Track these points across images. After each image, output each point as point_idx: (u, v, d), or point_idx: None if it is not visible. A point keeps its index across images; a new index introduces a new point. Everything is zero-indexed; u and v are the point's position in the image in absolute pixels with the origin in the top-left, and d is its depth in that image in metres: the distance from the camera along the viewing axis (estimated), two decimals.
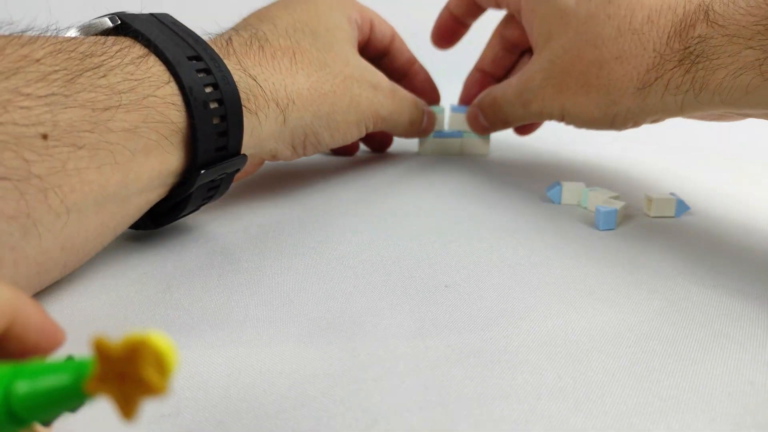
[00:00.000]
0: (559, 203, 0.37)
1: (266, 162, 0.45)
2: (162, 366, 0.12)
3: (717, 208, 0.36)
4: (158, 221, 0.30)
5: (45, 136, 0.22)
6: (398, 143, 0.50)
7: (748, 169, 0.44)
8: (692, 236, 0.32)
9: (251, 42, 0.32)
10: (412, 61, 0.45)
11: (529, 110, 0.38)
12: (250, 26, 0.34)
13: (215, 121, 0.27)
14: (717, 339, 0.24)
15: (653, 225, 0.34)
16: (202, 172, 0.28)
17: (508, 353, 0.23)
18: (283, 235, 0.33)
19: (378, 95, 0.38)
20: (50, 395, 0.13)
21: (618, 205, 0.33)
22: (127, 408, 0.12)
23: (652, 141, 0.51)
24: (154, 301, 0.26)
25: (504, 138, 0.51)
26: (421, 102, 0.43)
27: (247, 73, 0.30)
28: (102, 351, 0.12)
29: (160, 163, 0.26)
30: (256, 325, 0.25)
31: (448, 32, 0.46)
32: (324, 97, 0.34)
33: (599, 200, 0.35)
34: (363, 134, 0.38)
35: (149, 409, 0.20)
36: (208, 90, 0.27)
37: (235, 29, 0.34)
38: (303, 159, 0.46)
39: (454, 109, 0.46)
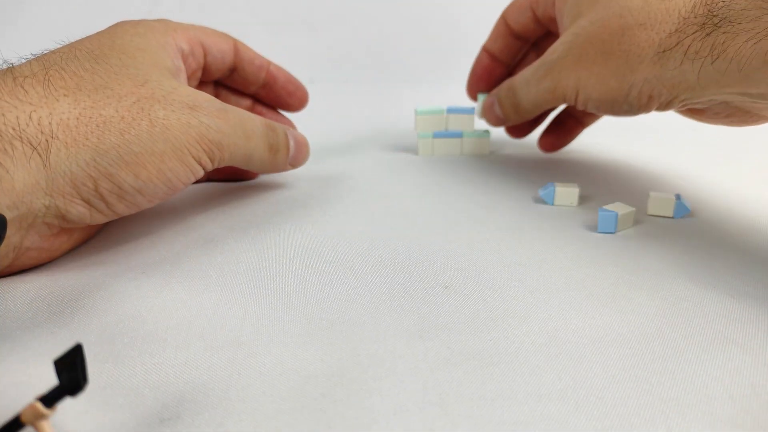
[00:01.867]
0: (552, 204, 0.37)
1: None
2: None
3: (717, 208, 0.36)
4: None
5: None
6: (399, 145, 0.50)
7: (748, 170, 0.44)
8: (693, 237, 0.32)
9: (12, 74, 0.26)
10: (265, 64, 0.39)
11: (542, 86, 0.36)
12: (58, 52, 0.28)
13: None
14: (718, 341, 0.24)
15: (653, 226, 0.34)
16: None
17: (508, 354, 0.23)
18: (282, 235, 0.33)
19: (200, 116, 0.29)
20: None
21: (624, 210, 0.33)
22: None
23: (652, 139, 0.51)
24: (153, 301, 0.26)
25: (504, 138, 0.51)
26: (277, 124, 0.35)
27: None
28: None
29: None
30: (256, 326, 0.25)
31: (486, 74, 0.44)
32: (106, 126, 0.26)
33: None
34: (199, 172, 0.30)
35: (149, 413, 0.20)
36: None
37: (44, 59, 0.28)
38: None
39: (450, 110, 0.46)
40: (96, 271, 0.29)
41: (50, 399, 0.18)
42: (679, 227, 0.34)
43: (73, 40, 0.30)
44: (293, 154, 0.37)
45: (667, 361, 0.22)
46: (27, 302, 0.26)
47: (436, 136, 0.47)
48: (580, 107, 0.35)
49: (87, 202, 0.26)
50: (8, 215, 0.23)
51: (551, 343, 0.23)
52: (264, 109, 0.42)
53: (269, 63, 0.40)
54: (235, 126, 0.31)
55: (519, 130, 0.46)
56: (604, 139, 0.51)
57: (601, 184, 0.40)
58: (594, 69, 0.33)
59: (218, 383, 0.21)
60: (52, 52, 0.29)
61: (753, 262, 0.30)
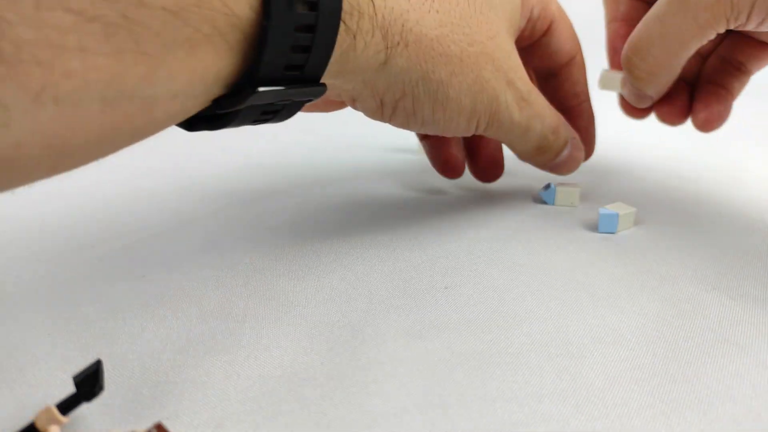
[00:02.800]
0: (553, 204, 0.37)
1: (264, 162, 0.45)
2: None
3: (718, 209, 0.36)
4: (192, 124, 0.23)
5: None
6: (399, 145, 0.50)
7: (749, 170, 0.44)
8: (693, 238, 0.32)
9: None
10: (583, 97, 0.36)
11: (673, 28, 0.29)
12: None
13: (298, 29, 0.20)
14: (718, 342, 0.24)
15: (654, 227, 0.34)
16: (259, 90, 0.21)
17: (508, 355, 0.23)
18: (281, 236, 0.33)
19: (508, 94, 0.30)
20: None
21: (624, 210, 0.33)
22: None
23: (652, 139, 0.51)
24: (152, 304, 0.26)
25: None
26: (566, 126, 0.34)
27: None
28: None
29: (206, 66, 0.19)
30: (255, 328, 0.24)
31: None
32: (445, 59, 0.27)
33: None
34: (471, 132, 0.30)
35: (149, 412, 0.20)
36: None
37: None
38: (302, 159, 0.46)
39: None
40: (96, 274, 0.29)
41: (66, 406, 0.18)
42: (679, 227, 0.34)
43: None
44: (557, 164, 0.35)
45: (667, 362, 0.22)
46: (27, 303, 0.26)
47: None
48: (755, 21, 0.28)
49: (382, 103, 0.28)
50: (328, 83, 0.24)
51: (552, 344, 0.23)
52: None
53: (588, 97, 0.36)
54: (526, 119, 0.31)
55: (674, 113, 0.38)
56: (606, 138, 0.51)
57: (602, 184, 0.40)
58: None
59: (218, 384, 0.21)
60: None
61: (754, 263, 0.30)
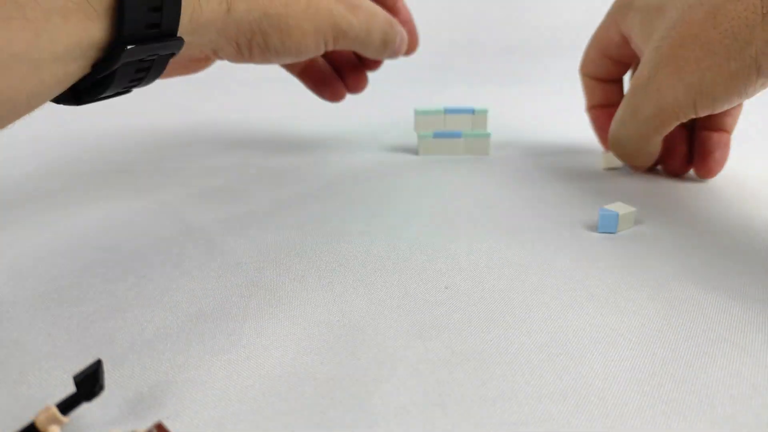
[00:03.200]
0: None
1: (264, 162, 0.45)
2: None
3: (718, 209, 0.36)
4: (80, 98, 0.27)
5: None
6: (399, 145, 0.50)
7: (748, 167, 0.44)
8: (694, 238, 0.32)
9: None
10: None
11: (642, 116, 0.33)
12: None
13: None
14: (718, 342, 0.24)
15: (654, 227, 0.34)
16: (128, 47, 0.24)
17: (508, 355, 0.23)
18: (281, 236, 0.33)
19: (340, 7, 0.35)
20: None
21: (624, 210, 0.33)
22: None
23: None
24: (152, 304, 0.26)
25: (504, 138, 0.51)
26: (394, 21, 0.40)
27: None
28: None
29: (80, 31, 0.23)
30: (255, 328, 0.24)
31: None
32: None
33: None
34: (321, 50, 0.35)
35: (149, 411, 0.20)
36: None
37: None
38: (303, 160, 0.46)
39: (448, 110, 0.46)
40: (96, 275, 0.29)
41: (66, 406, 0.18)
42: (679, 228, 0.34)
43: None
44: (398, 47, 0.41)
45: (667, 362, 0.22)
46: (27, 305, 0.26)
47: (436, 136, 0.47)
48: (702, 114, 0.32)
49: (238, 46, 0.32)
50: (186, 39, 0.27)
51: (552, 344, 0.23)
52: None
53: None
54: (362, 21, 0.36)
55: (676, 166, 0.41)
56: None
57: (601, 183, 0.40)
58: (702, 66, 0.30)
59: (218, 384, 0.21)
60: None
61: (754, 264, 0.30)
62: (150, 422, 0.19)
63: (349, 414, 0.20)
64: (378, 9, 0.38)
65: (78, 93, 0.27)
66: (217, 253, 0.31)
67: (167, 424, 0.19)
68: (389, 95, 0.66)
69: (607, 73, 0.42)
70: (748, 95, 0.31)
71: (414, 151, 0.48)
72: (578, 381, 0.21)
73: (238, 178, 0.42)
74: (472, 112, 0.46)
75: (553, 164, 0.45)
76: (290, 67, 0.45)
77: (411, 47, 0.43)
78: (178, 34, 0.26)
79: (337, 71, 0.46)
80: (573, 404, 0.20)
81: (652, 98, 0.32)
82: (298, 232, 0.33)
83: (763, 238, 0.32)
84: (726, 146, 0.40)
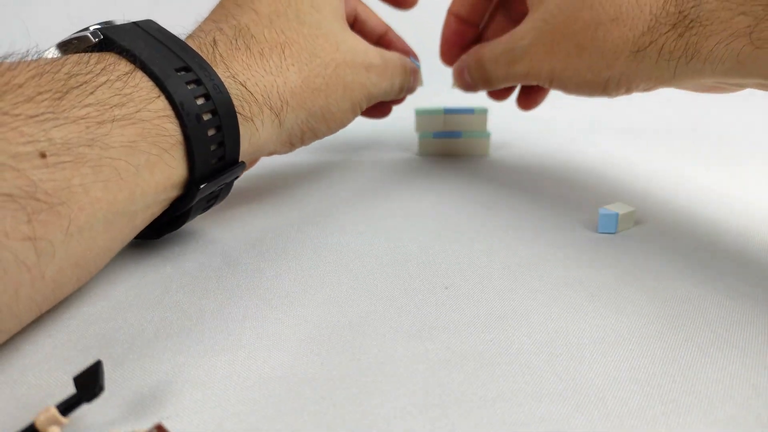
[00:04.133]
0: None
1: (264, 162, 0.45)
2: None
3: (717, 209, 0.36)
4: (159, 231, 0.30)
5: (43, 155, 0.21)
6: (399, 145, 0.50)
7: (748, 168, 0.44)
8: (693, 239, 0.32)
9: (236, 41, 0.30)
10: (384, 27, 0.42)
11: (513, 70, 0.36)
12: (230, 16, 0.32)
13: (210, 132, 0.27)
14: (718, 343, 0.24)
15: (654, 227, 0.34)
16: (202, 186, 0.27)
17: (508, 355, 0.23)
18: (281, 237, 0.33)
19: (371, 77, 0.36)
20: None
21: (624, 210, 0.33)
22: None
23: (653, 138, 0.51)
24: (152, 304, 0.26)
25: (504, 138, 0.51)
26: (408, 62, 0.41)
27: (237, 79, 0.29)
28: None
29: (164, 179, 0.26)
30: (255, 328, 0.24)
31: (458, 39, 0.43)
32: (317, 92, 0.33)
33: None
34: (358, 115, 0.37)
35: (149, 411, 0.20)
36: (200, 102, 0.26)
37: (216, 23, 0.32)
38: (303, 160, 0.46)
39: (448, 111, 0.46)
40: (95, 275, 0.29)
41: (67, 407, 0.18)
42: (679, 228, 0.34)
43: None
44: (411, 85, 0.42)
45: (667, 362, 0.22)
46: None
47: (436, 136, 0.46)
48: (555, 89, 0.35)
49: (291, 144, 0.34)
50: (247, 159, 0.31)
51: (552, 344, 0.23)
52: (394, 37, 0.43)
53: (388, 29, 0.42)
54: (389, 78, 0.38)
55: (501, 92, 0.45)
56: (608, 138, 0.51)
57: (603, 183, 0.40)
58: (568, 61, 0.32)
59: (218, 384, 0.21)
60: (242, 8, 0.32)
61: (754, 264, 0.30)
62: (150, 422, 0.19)
63: (349, 415, 0.20)
64: (394, 56, 0.39)
65: (156, 226, 0.30)
66: (217, 254, 0.31)
67: (167, 424, 0.19)
68: None
69: None
70: (594, 96, 0.33)
71: (414, 151, 0.48)
72: (578, 381, 0.21)
73: (238, 179, 0.42)
74: (472, 112, 0.46)
75: (553, 164, 0.45)
76: None
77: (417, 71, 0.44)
78: (240, 159, 0.29)
79: None
80: (573, 405, 0.20)
81: (526, 62, 0.35)
82: (298, 232, 0.33)
83: (762, 238, 0.32)
84: (547, 91, 0.44)
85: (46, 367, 0.22)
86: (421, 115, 0.46)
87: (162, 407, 0.20)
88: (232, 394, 0.21)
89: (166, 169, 0.26)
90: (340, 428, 0.19)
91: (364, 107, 0.37)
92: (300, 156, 0.47)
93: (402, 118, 0.55)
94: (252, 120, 0.29)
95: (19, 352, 0.23)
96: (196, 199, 0.28)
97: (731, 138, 0.52)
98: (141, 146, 0.24)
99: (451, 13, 0.43)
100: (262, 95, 0.30)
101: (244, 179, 0.41)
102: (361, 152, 0.48)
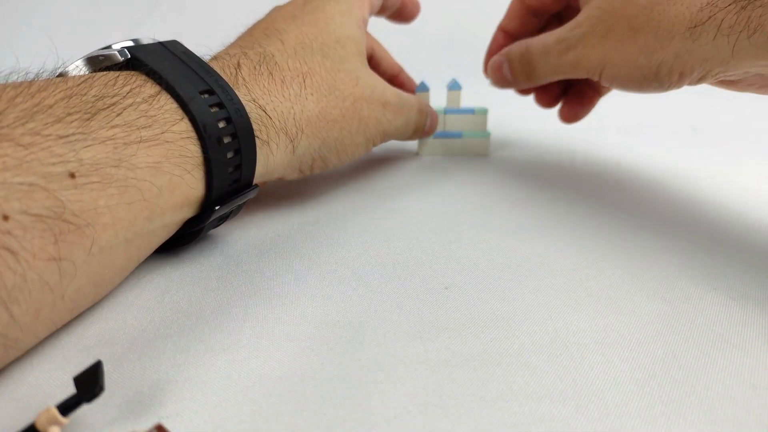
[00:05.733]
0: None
1: None
2: None
3: (717, 209, 0.36)
4: (168, 245, 0.30)
5: (73, 175, 0.21)
6: (399, 145, 0.50)
7: (747, 166, 0.44)
8: (693, 238, 0.32)
9: (260, 66, 0.31)
10: (398, 68, 0.44)
11: (563, 60, 0.35)
12: (256, 44, 0.33)
13: (229, 155, 0.27)
14: (718, 343, 0.24)
15: (653, 227, 0.34)
16: (217, 208, 0.28)
17: (508, 355, 0.23)
18: (281, 236, 0.33)
19: (387, 113, 0.37)
20: None
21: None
22: None
23: (652, 137, 0.51)
24: (152, 304, 0.26)
25: (504, 138, 0.51)
26: (424, 105, 0.42)
27: (257, 103, 0.30)
28: None
29: (184, 198, 0.26)
30: (255, 328, 0.24)
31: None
32: (333, 123, 0.33)
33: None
34: (370, 150, 0.38)
35: (149, 411, 0.20)
36: (221, 125, 0.27)
37: (242, 48, 0.32)
38: None
39: (448, 111, 0.46)
40: None
41: (67, 407, 0.18)
42: (679, 227, 0.34)
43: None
44: (428, 129, 0.43)
45: (667, 362, 0.22)
46: None
47: (436, 136, 0.46)
48: (604, 83, 0.34)
49: (301, 171, 0.34)
50: (258, 181, 0.31)
51: (552, 344, 0.23)
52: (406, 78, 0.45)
53: (401, 70, 0.43)
54: (404, 118, 0.39)
55: (548, 100, 0.44)
56: (607, 137, 0.51)
57: (602, 183, 0.40)
58: (621, 46, 0.32)
59: (218, 384, 0.21)
60: (270, 38, 0.33)
61: (754, 263, 0.30)
62: (150, 422, 0.19)
63: (349, 415, 0.20)
64: (411, 97, 0.40)
65: (168, 243, 0.30)
66: (217, 253, 0.31)
67: (167, 424, 0.19)
68: None
69: (539, 1, 0.41)
70: (643, 91, 0.32)
71: (414, 151, 0.48)
72: (578, 382, 0.21)
73: None
74: (472, 112, 0.46)
75: (553, 164, 0.45)
76: None
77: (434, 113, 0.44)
78: (254, 182, 0.30)
79: None
80: (573, 405, 0.20)
81: (579, 50, 0.34)
82: (298, 232, 0.33)
83: (762, 237, 0.32)
84: (592, 104, 0.44)
85: (47, 367, 0.22)
86: None
87: (162, 407, 0.20)
88: (232, 394, 0.21)
89: (186, 190, 0.26)
90: (340, 428, 0.19)
91: (377, 143, 0.37)
92: None
93: None
94: (268, 144, 0.30)
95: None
96: (210, 220, 0.28)
97: (731, 137, 0.52)
98: (165, 167, 0.25)
99: (501, 29, 0.44)
100: (280, 120, 0.30)
101: None
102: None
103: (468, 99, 0.51)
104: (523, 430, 0.19)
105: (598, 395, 0.21)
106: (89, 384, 0.18)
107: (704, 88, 0.34)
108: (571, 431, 0.19)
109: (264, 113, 0.30)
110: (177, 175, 0.25)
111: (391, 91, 0.37)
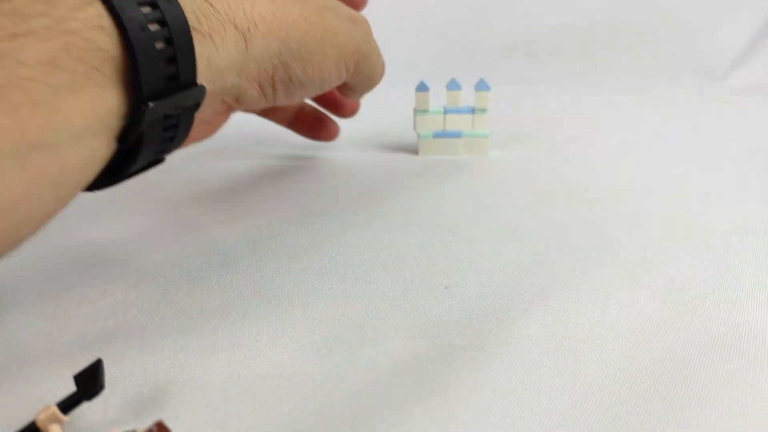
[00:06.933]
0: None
1: (265, 161, 0.45)
2: None
3: (717, 209, 0.36)
4: (112, 177, 0.25)
5: None
6: (399, 145, 0.50)
7: (748, 168, 0.44)
8: (693, 238, 0.32)
9: None
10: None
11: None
12: None
13: (159, 45, 0.22)
14: (717, 343, 0.24)
15: (652, 226, 0.34)
16: (151, 104, 0.22)
17: (507, 351, 0.23)
18: (281, 236, 0.33)
19: (357, 29, 0.33)
20: None
21: None
22: None
23: (649, 136, 0.51)
24: (152, 303, 0.26)
25: (504, 138, 0.51)
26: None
27: None
28: None
29: (95, 102, 0.21)
30: (255, 327, 0.25)
31: None
32: (293, 24, 0.29)
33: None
34: (343, 77, 0.33)
35: (149, 410, 0.20)
36: (145, 10, 0.22)
37: None
38: (303, 160, 0.46)
39: (448, 111, 0.46)
40: (96, 275, 0.29)
41: (67, 405, 0.18)
42: (679, 228, 0.34)
43: None
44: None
45: (666, 361, 0.22)
46: (28, 303, 0.26)
47: (436, 136, 0.46)
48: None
49: (261, 87, 0.30)
50: (208, 87, 0.26)
51: (551, 340, 0.23)
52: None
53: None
54: (374, 44, 0.35)
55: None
56: (607, 138, 0.51)
57: (601, 183, 0.40)
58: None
59: (218, 384, 0.21)
60: None
61: (753, 264, 0.30)
62: (150, 421, 0.19)
63: (349, 414, 0.20)
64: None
65: (109, 170, 0.24)
66: (217, 253, 0.31)
67: (167, 423, 0.19)
68: (389, 95, 0.66)
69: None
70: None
71: (414, 151, 0.48)
72: (576, 376, 0.21)
73: (239, 179, 0.42)
74: (472, 112, 0.46)
75: (552, 164, 0.45)
76: (280, 118, 0.45)
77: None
78: (198, 82, 0.25)
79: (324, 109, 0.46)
80: (571, 400, 0.20)
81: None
82: (299, 232, 0.33)
83: (762, 237, 0.32)
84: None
85: (47, 366, 0.22)
86: (421, 115, 0.46)
87: (162, 406, 0.20)
88: (232, 393, 0.21)
89: (97, 91, 0.21)
90: (340, 428, 0.19)
91: (351, 68, 0.33)
92: (300, 155, 0.47)
93: (402, 117, 0.55)
94: (211, 36, 0.25)
95: (19, 351, 0.23)
96: (146, 121, 0.23)
97: (730, 137, 0.52)
98: (63, 63, 0.20)
99: None
100: (226, 12, 0.26)
101: (244, 179, 0.41)
102: (361, 152, 0.48)
103: (468, 99, 0.51)
104: (521, 423, 0.19)
105: (596, 390, 0.21)
106: (89, 382, 0.18)
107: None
108: (568, 425, 0.19)
109: (204, 2, 0.26)
110: (81, 72, 0.20)
111: (361, 16, 0.34)
